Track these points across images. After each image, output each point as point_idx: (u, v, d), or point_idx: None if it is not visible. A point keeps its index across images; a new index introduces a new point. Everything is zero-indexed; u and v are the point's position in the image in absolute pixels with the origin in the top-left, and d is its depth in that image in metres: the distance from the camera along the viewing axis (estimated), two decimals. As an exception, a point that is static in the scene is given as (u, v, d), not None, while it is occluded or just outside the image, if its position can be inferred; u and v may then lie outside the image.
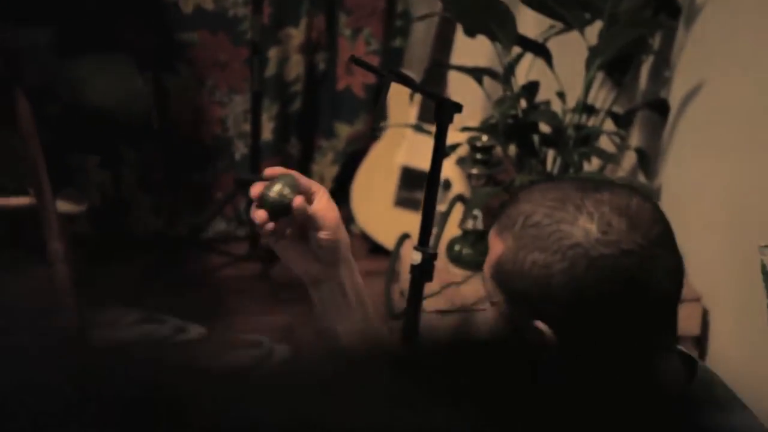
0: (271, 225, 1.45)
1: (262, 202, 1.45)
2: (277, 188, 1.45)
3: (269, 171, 1.48)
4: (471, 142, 2.57)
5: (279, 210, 1.45)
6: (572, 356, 1.30)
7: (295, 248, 1.48)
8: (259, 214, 1.45)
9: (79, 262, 3.43)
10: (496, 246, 1.32)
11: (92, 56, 3.01)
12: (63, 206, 3.02)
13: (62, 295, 2.95)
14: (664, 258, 1.28)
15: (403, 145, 3.49)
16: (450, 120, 1.66)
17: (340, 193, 3.68)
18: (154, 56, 3.48)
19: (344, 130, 3.74)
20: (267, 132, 3.63)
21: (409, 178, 3.49)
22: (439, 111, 1.66)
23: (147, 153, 3.59)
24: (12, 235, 3.46)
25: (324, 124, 3.73)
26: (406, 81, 1.70)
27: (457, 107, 1.65)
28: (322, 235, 1.47)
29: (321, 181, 3.74)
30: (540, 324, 1.29)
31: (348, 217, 3.65)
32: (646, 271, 1.27)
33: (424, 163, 3.05)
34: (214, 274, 3.41)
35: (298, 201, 1.44)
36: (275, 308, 3.26)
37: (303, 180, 1.49)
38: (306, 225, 1.47)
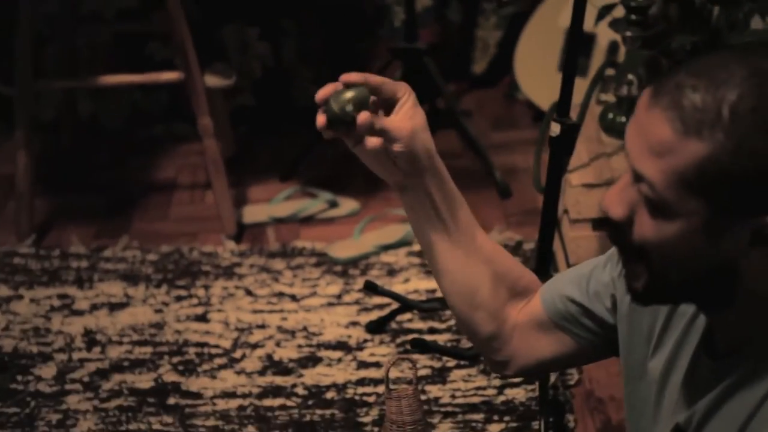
0: (329, 133, 1.37)
1: (326, 109, 1.36)
2: (343, 99, 1.35)
3: (345, 77, 1.37)
4: (625, 1, 2.37)
5: (339, 124, 1.35)
6: None
7: (373, 155, 1.39)
8: (320, 120, 1.36)
9: (242, 135, 3.41)
10: (690, 148, 1.12)
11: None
12: (211, 80, 2.98)
13: (213, 169, 2.93)
14: None
15: (566, 6, 3.28)
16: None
17: (504, 59, 3.52)
18: None
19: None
20: (425, -2, 3.48)
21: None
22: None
23: (306, 23, 3.50)
24: (174, 109, 3.45)
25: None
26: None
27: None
28: (396, 147, 1.38)
29: (483, 46, 3.58)
30: None
31: (512, 84, 3.50)
32: None
33: (589, 25, 2.87)
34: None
35: (362, 118, 1.35)
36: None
37: (387, 87, 1.38)
38: (379, 135, 1.37)
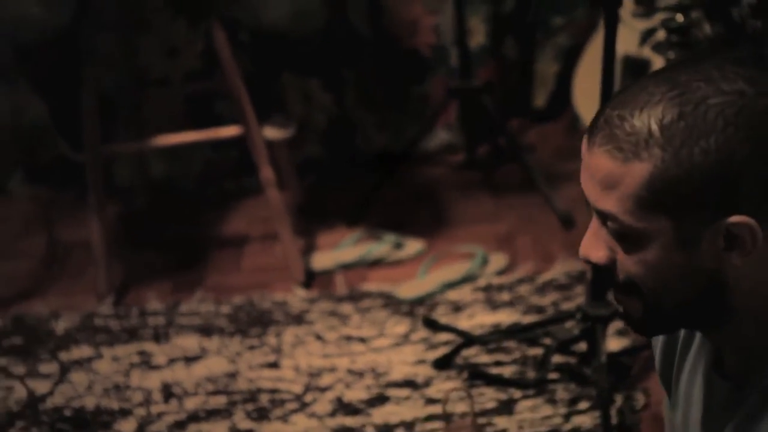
0: None
1: None
2: None
3: None
4: (665, 24, 2.39)
5: None
6: None
7: None
8: None
9: (310, 185, 3.49)
10: (635, 171, 1.17)
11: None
12: (270, 133, 3.06)
13: (278, 218, 3.00)
14: None
15: (622, 33, 3.29)
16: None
17: (564, 91, 3.54)
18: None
19: (561, 23, 3.58)
20: (480, 35, 3.53)
21: (632, 67, 3.30)
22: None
23: (365, 70, 3.57)
24: (243, 164, 3.54)
25: (540, 18, 3.58)
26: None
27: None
28: None
29: (542, 80, 3.62)
30: (737, 217, 1.16)
31: (574, 115, 3.52)
32: None
33: (647, 51, 2.88)
34: (434, 186, 3.37)
35: None
36: (496, 216, 3.20)
37: None
38: None
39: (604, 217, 1.21)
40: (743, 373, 1.24)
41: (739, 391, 1.24)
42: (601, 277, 2.07)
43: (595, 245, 1.24)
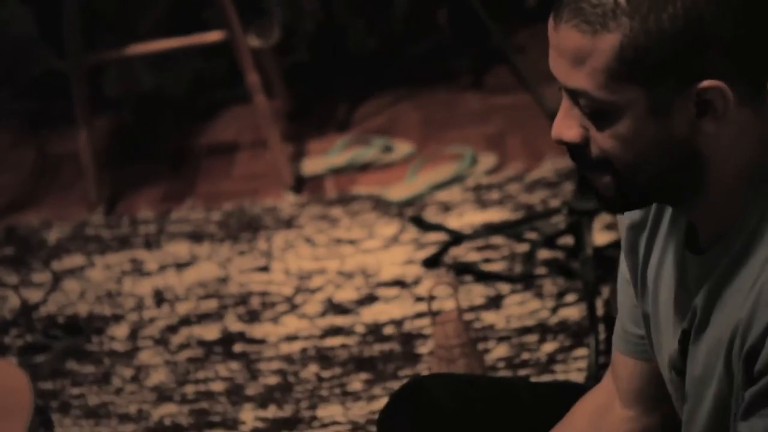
0: None
1: None
2: None
3: None
4: None
5: None
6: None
7: None
8: None
9: (299, 92, 3.47)
10: (604, 43, 1.16)
11: None
12: (255, 39, 3.04)
13: (265, 124, 2.99)
14: None
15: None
16: None
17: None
18: None
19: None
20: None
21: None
22: None
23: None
24: (232, 73, 3.52)
25: None
26: None
27: None
28: None
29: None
30: (708, 82, 1.15)
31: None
32: None
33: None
34: (422, 89, 3.35)
35: None
36: (485, 117, 3.19)
37: None
38: None
39: (575, 94, 1.20)
40: (716, 245, 1.24)
41: (713, 260, 1.24)
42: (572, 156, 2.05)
43: (567, 125, 1.23)
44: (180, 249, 2.82)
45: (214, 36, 2.96)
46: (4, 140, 3.44)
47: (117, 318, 2.61)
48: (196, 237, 2.86)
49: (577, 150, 1.24)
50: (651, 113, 1.18)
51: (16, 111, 3.54)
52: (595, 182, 1.26)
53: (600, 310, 2.27)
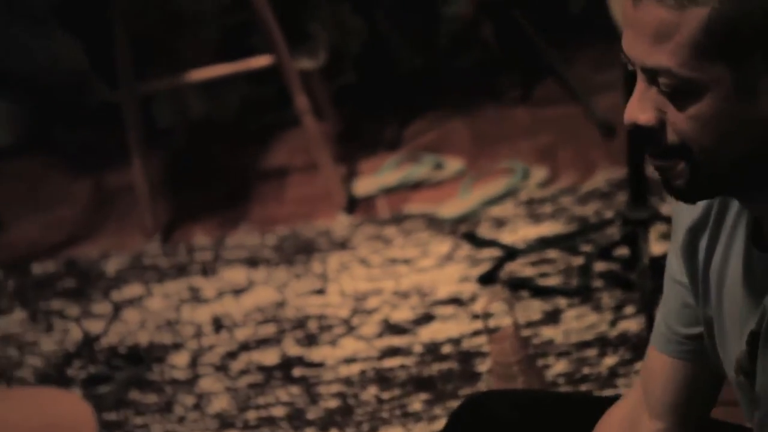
0: None
1: None
2: None
3: None
4: None
5: None
6: None
7: None
8: None
9: (348, 113, 3.49)
10: (691, 17, 1.12)
11: None
12: (302, 62, 3.06)
13: (315, 146, 3.01)
14: None
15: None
16: None
17: (597, 2, 3.48)
18: None
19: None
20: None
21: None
22: None
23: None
24: (282, 97, 3.55)
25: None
26: None
27: None
28: None
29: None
30: None
31: (610, 26, 3.46)
32: None
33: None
34: (472, 104, 3.35)
35: None
36: (535, 130, 3.18)
37: None
38: None
39: (655, 73, 1.16)
40: None
41: None
42: (641, 146, 2.02)
43: (642, 107, 1.19)
44: (236, 275, 2.84)
45: (261, 61, 2.98)
46: (62, 174, 3.49)
47: (177, 346, 2.63)
48: (252, 262, 2.88)
49: (651, 135, 1.20)
50: (735, 92, 1.14)
51: (72, 144, 3.59)
52: (667, 170, 1.22)
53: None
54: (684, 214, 1.33)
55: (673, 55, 1.14)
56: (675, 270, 1.38)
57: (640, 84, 1.20)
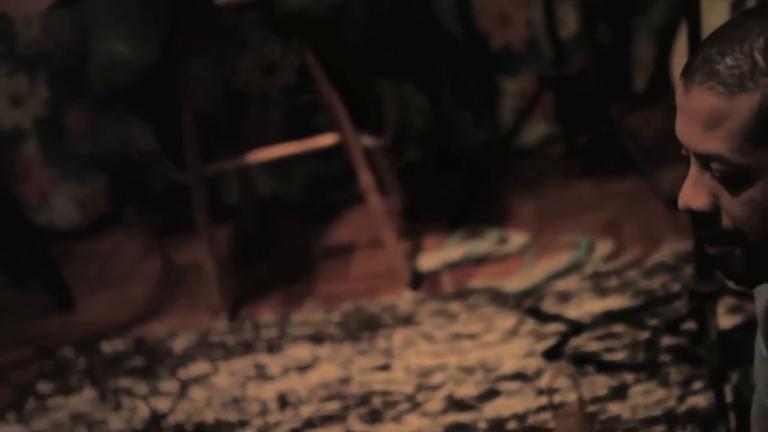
0: None
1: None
2: None
3: None
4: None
5: None
6: None
7: None
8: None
9: (412, 189, 3.51)
10: (742, 104, 1.13)
11: None
12: (367, 140, 3.09)
13: (379, 223, 3.02)
14: None
15: (715, 7, 3.24)
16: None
17: (662, 73, 3.49)
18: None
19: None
20: (572, 23, 3.50)
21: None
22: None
23: (459, 69, 3.57)
24: (348, 174, 3.58)
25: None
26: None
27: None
28: None
29: (640, 63, 3.56)
30: None
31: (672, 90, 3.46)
32: None
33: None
34: (535, 179, 3.36)
35: None
36: (599, 204, 3.17)
37: None
38: None
39: (707, 159, 1.17)
40: None
41: None
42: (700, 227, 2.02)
43: (697, 192, 1.20)
44: (301, 351, 2.85)
45: (327, 140, 3.02)
46: (133, 253, 3.54)
47: (243, 424, 2.63)
48: (317, 338, 2.88)
49: (706, 219, 1.21)
50: None
51: (143, 224, 3.65)
52: (724, 256, 1.22)
53: (729, 397, 2.21)
54: (763, 292, 1.32)
55: (725, 142, 1.15)
56: (761, 346, 1.37)
57: (694, 169, 1.20)
